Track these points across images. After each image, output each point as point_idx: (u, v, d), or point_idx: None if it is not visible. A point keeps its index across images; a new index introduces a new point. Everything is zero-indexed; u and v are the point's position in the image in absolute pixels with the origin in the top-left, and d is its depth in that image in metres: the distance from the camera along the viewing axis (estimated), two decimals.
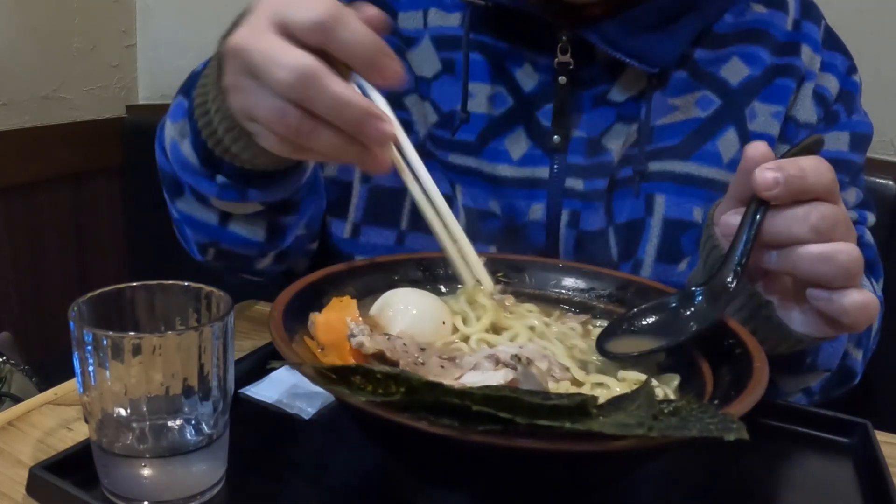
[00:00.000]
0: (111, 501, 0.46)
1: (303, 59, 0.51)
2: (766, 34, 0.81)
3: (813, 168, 0.54)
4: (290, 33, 0.52)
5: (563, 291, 0.64)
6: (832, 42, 0.84)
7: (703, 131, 0.78)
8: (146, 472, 0.45)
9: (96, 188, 1.78)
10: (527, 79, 0.80)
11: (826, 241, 0.54)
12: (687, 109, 0.79)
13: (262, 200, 0.69)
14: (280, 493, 0.49)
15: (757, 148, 0.56)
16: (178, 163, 0.68)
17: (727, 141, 0.78)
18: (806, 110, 0.80)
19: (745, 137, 0.78)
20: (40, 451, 0.53)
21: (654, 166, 0.77)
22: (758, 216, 0.55)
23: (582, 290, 0.64)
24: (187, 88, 0.67)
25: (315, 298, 0.56)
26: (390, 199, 0.80)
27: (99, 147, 1.75)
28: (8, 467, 0.51)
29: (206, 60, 0.66)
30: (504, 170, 0.79)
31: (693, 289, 0.57)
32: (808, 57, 0.81)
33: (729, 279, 0.55)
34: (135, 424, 0.45)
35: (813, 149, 0.58)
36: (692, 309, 0.56)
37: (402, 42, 0.83)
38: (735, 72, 0.79)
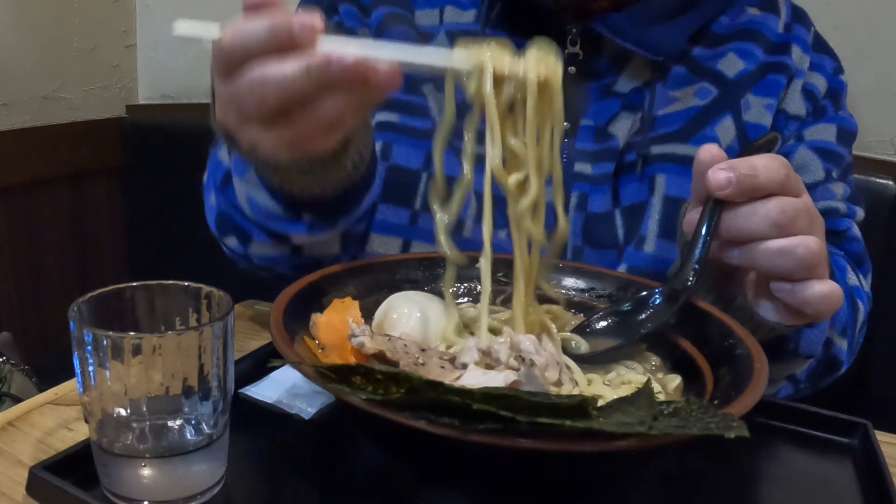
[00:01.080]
0: (111, 501, 0.46)
1: (245, 78, 0.52)
2: (759, 34, 0.86)
3: (765, 165, 0.56)
4: (227, 74, 0.54)
5: (564, 291, 0.64)
6: (821, 46, 0.90)
7: (701, 117, 0.82)
8: (146, 472, 0.45)
9: (96, 188, 1.78)
10: None
11: (787, 235, 0.56)
12: (686, 99, 0.83)
13: (347, 225, 0.73)
14: (280, 493, 0.49)
15: (707, 150, 0.58)
16: (261, 214, 0.71)
17: (724, 127, 0.82)
18: (795, 104, 0.85)
19: (741, 126, 0.82)
20: (40, 451, 0.53)
21: (656, 150, 0.81)
22: (714, 215, 0.57)
23: (582, 290, 0.64)
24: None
25: (315, 298, 0.56)
26: (407, 178, 0.81)
27: (99, 147, 1.75)
28: (8, 467, 0.51)
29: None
30: None
31: (651, 291, 0.59)
32: (798, 57, 0.86)
33: (689, 278, 0.57)
34: (135, 424, 0.45)
35: (768, 147, 0.61)
36: (650, 310, 0.59)
37: (419, 37, 0.86)
38: (731, 65, 0.84)
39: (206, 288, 0.49)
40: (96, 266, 1.80)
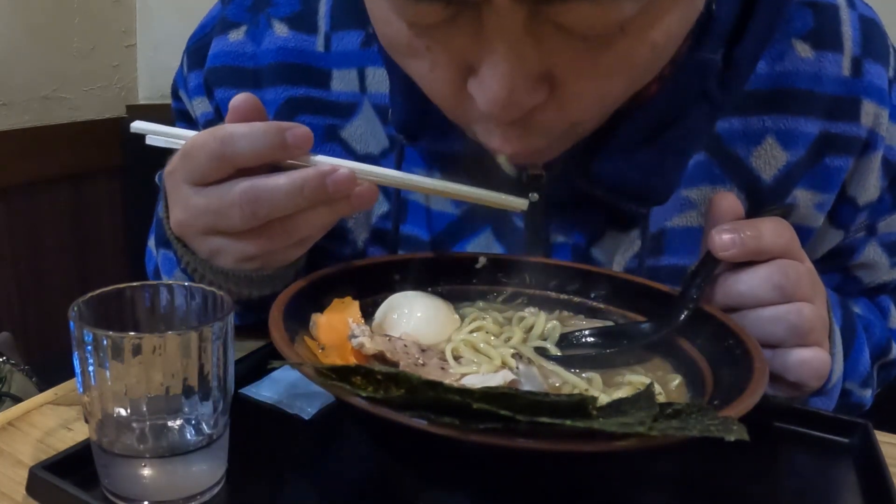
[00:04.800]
0: (111, 501, 0.46)
1: (236, 189, 0.52)
2: (811, 96, 0.62)
3: (771, 230, 0.54)
4: (205, 183, 0.53)
5: (564, 292, 0.64)
6: None
7: None
8: (146, 472, 0.45)
9: (96, 188, 1.78)
10: (496, 170, 0.61)
11: (788, 299, 0.53)
12: (706, 209, 0.62)
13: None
14: (280, 493, 0.49)
15: (726, 200, 0.56)
16: None
17: None
18: (868, 187, 0.65)
19: None
20: (40, 451, 0.53)
21: None
22: (711, 267, 0.55)
23: (582, 291, 0.64)
24: (163, 239, 0.66)
25: (315, 298, 0.56)
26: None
27: (99, 147, 1.76)
28: (8, 467, 0.51)
29: (160, 196, 0.67)
30: None
31: (637, 324, 0.57)
32: (872, 116, 0.62)
33: (680, 315, 0.55)
34: (135, 424, 0.45)
35: (783, 214, 0.58)
36: (633, 334, 0.57)
37: (334, 117, 0.69)
38: (769, 161, 0.63)
39: (206, 288, 0.49)
40: (96, 266, 1.81)
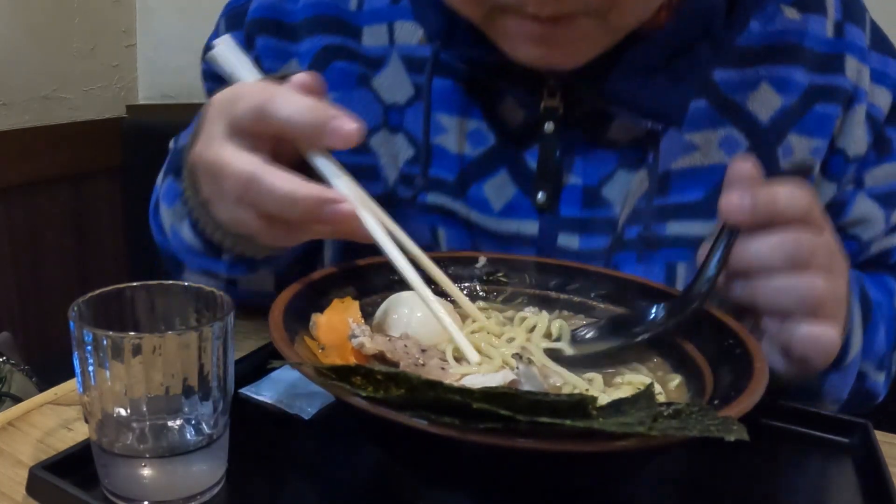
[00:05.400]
0: (111, 501, 0.46)
1: (242, 165, 0.51)
2: (800, 49, 0.67)
3: (787, 194, 0.51)
4: (239, 131, 0.52)
5: (564, 291, 0.64)
6: (882, 44, 0.71)
7: None
8: (146, 472, 0.45)
9: (96, 188, 1.78)
10: (510, 114, 0.68)
11: (802, 270, 0.51)
12: (709, 151, 0.66)
13: (271, 269, 0.69)
14: (280, 493, 0.49)
15: (743, 164, 0.53)
16: (182, 248, 0.67)
17: None
18: (857, 141, 0.68)
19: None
20: (40, 451, 0.53)
21: (674, 228, 0.67)
22: (728, 242, 0.53)
23: (582, 290, 0.64)
24: (175, 168, 0.65)
25: (315, 298, 0.56)
26: (365, 252, 0.75)
27: (99, 147, 1.76)
28: (8, 467, 0.51)
29: (189, 130, 0.66)
30: (487, 220, 0.69)
31: (648, 309, 0.56)
32: (855, 71, 0.67)
33: (693, 305, 0.54)
34: (135, 424, 0.45)
35: (802, 171, 0.57)
36: (645, 324, 0.56)
37: (365, 66, 0.72)
38: (765, 103, 0.66)
39: (206, 288, 0.49)
40: (96, 266, 1.81)
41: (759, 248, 0.52)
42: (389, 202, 0.60)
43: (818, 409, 0.61)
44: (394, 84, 0.71)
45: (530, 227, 0.69)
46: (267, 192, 0.50)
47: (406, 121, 0.71)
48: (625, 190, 0.67)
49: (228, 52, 0.59)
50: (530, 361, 0.52)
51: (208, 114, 0.55)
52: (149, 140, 1.74)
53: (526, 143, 0.68)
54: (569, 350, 0.56)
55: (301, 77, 0.54)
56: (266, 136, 0.53)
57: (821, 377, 0.62)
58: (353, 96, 0.71)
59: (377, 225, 0.54)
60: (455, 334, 0.51)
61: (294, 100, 0.51)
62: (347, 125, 0.50)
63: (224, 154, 0.52)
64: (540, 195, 0.68)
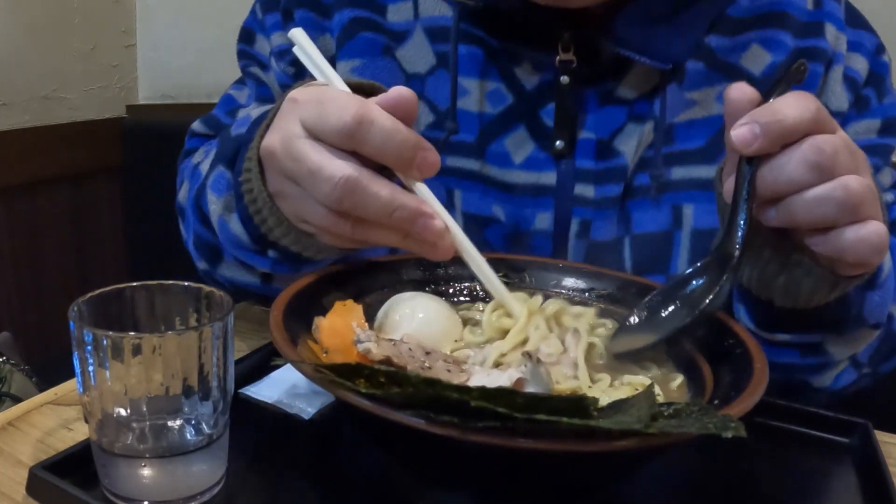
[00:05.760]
0: (111, 501, 0.46)
1: (343, 170, 0.51)
2: (785, 16, 0.75)
3: (791, 105, 0.50)
4: (322, 140, 0.52)
5: (564, 291, 0.64)
6: (856, 20, 0.78)
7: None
8: (146, 472, 0.45)
9: (96, 188, 1.78)
10: (527, 75, 0.75)
11: (829, 176, 0.50)
12: (707, 104, 0.74)
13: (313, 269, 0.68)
14: (280, 493, 0.49)
15: (739, 89, 0.53)
16: (228, 239, 0.67)
17: None
18: (836, 96, 0.75)
19: None
20: (40, 451, 0.53)
21: (678, 173, 0.73)
22: (750, 174, 0.51)
23: (582, 290, 0.64)
24: (227, 157, 0.65)
25: (315, 298, 0.56)
26: None
27: (99, 147, 1.76)
28: (8, 467, 0.51)
29: (242, 122, 0.67)
30: (506, 174, 0.75)
31: (694, 269, 0.55)
32: (834, 37, 0.75)
33: (736, 252, 0.52)
34: (135, 424, 0.45)
35: (796, 78, 0.55)
36: (693, 292, 0.55)
37: (390, 40, 0.77)
38: (756, 59, 0.74)
39: (206, 288, 0.49)
40: (96, 266, 1.81)
41: (782, 169, 0.51)
42: None
43: (855, 340, 0.63)
44: (416, 55, 0.77)
45: (548, 178, 0.74)
46: (371, 197, 0.51)
47: (427, 89, 0.76)
48: (634, 142, 0.73)
49: (304, 41, 0.58)
50: (539, 360, 0.52)
51: (285, 109, 0.55)
52: (149, 140, 1.74)
53: (542, 102, 0.75)
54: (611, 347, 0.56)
55: (396, 93, 0.53)
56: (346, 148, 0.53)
57: (860, 298, 0.62)
58: (378, 65, 0.76)
59: (468, 243, 0.56)
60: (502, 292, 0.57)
61: (386, 126, 0.51)
62: (432, 157, 0.53)
63: (315, 155, 0.52)
64: (558, 143, 0.74)
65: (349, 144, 0.51)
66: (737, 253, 0.52)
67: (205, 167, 0.74)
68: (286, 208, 0.57)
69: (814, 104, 0.51)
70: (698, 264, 0.55)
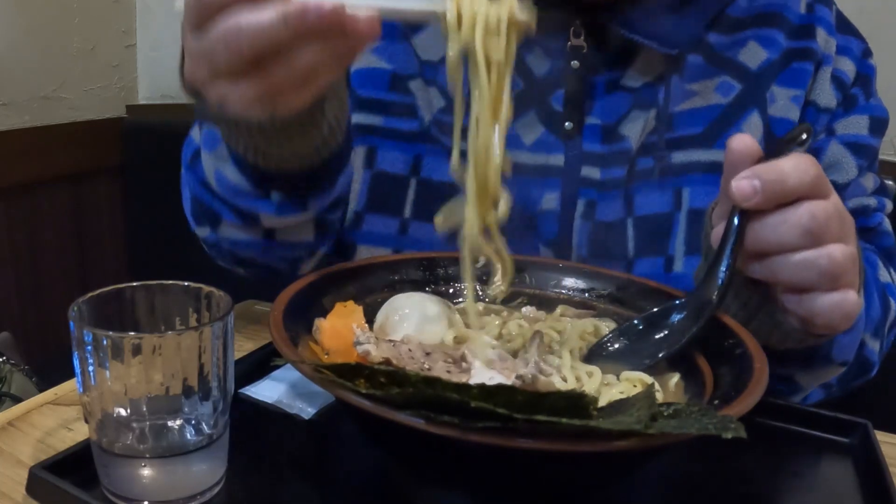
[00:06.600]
0: (111, 501, 0.46)
1: (218, 29, 0.49)
2: (780, 17, 0.79)
3: (793, 167, 0.52)
4: (198, 25, 0.50)
5: (563, 291, 0.64)
6: (845, 27, 0.83)
7: (726, 117, 0.76)
8: (146, 472, 0.45)
9: (96, 188, 1.78)
10: (538, 62, 0.77)
11: (818, 243, 0.52)
12: (707, 95, 0.77)
13: (319, 208, 0.70)
14: (280, 493, 0.49)
15: (741, 141, 0.54)
16: (229, 190, 0.67)
17: (751, 125, 0.76)
18: (825, 94, 0.79)
19: (767, 122, 0.77)
20: (40, 451, 0.53)
21: (678, 157, 0.76)
22: (740, 226, 0.53)
23: (582, 290, 0.64)
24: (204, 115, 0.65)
25: (315, 298, 0.56)
26: (393, 187, 0.78)
27: (99, 147, 1.75)
28: (8, 467, 0.51)
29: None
30: (516, 155, 0.75)
31: (669, 307, 0.57)
32: (824, 40, 0.79)
33: (714, 296, 0.54)
34: (135, 424, 0.45)
35: (800, 141, 0.56)
36: (668, 329, 0.56)
37: (407, 26, 0.80)
38: (753, 55, 0.78)
39: (206, 288, 0.49)
40: (96, 266, 1.81)
41: (775, 228, 0.52)
42: (423, 138, 0.71)
43: (823, 374, 0.63)
44: (431, 43, 0.80)
45: (557, 160, 0.77)
46: (254, 25, 0.48)
47: (440, 76, 0.79)
48: (639, 127, 0.76)
49: None
50: (535, 379, 0.52)
51: (183, 39, 0.54)
52: (149, 140, 1.74)
53: (552, 89, 0.77)
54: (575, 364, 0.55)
55: None
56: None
57: (829, 341, 0.63)
58: (396, 48, 0.80)
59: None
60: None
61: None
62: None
63: (200, 43, 0.50)
64: (567, 124, 0.76)
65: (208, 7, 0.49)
66: (714, 300, 0.54)
67: (194, 133, 0.76)
68: (233, 108, 0.53)
69: (814, 168, 0.52)
70: (677, 301, 0.57)
